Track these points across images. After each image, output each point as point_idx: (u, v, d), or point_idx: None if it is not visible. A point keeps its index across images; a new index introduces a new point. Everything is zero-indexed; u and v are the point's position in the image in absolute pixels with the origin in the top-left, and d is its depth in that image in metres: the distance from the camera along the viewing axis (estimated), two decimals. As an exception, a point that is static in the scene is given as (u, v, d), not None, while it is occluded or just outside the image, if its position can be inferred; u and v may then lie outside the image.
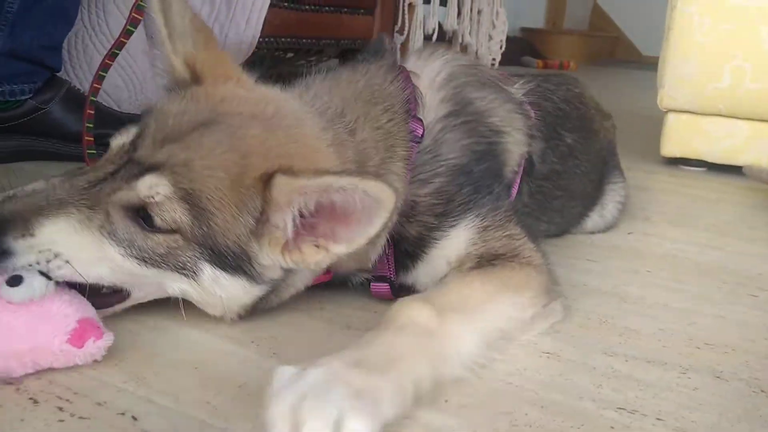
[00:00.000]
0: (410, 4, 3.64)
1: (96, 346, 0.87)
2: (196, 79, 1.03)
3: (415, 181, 1.09)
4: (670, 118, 2.44)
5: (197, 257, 0.92)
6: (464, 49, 4.30)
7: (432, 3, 3.81)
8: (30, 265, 0.87)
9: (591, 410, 0.88)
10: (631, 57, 8.03)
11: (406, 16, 3.64)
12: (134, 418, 0.79)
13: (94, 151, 1.59)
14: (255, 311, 1.02)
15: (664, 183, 2.27)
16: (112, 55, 1.64)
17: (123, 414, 0.79)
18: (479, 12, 4.31)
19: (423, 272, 1.11)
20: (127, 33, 1.71)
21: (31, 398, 0.81)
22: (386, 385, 0.77)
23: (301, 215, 0.93)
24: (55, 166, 1.80)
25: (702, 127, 2.39)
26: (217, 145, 0.92)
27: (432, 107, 1.14)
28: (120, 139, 0.96)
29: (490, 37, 4.53)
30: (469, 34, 4.23)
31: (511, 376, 0.95)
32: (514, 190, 1.23)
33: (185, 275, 0.93)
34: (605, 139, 1.62)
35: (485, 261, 1.09)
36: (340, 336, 1.03)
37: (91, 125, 1.61)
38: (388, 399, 0.77)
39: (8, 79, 1.73)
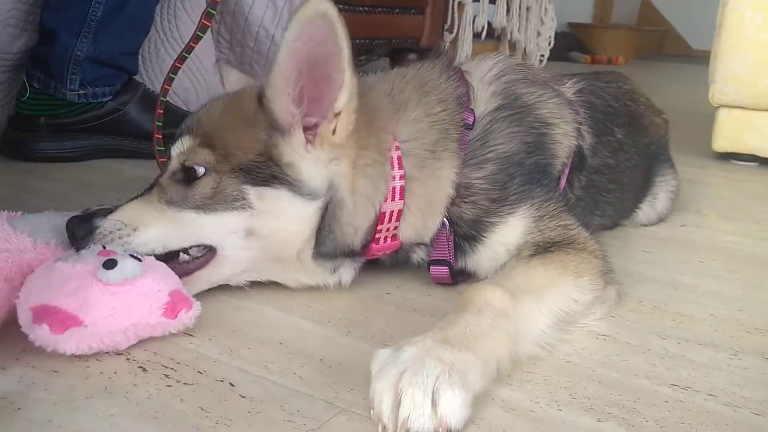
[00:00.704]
0: (460, 3, 3.70)
1: (187, 316, 0.97)
2: None
3: (467, 165, 1.16)
4: (722, 113, 2.45)
5: (237, 183, 1.05)
6: (513, 46, 4.34)
7: (481, 1, 3.87)
8: (107, 234, 1.03)
9: (646, 386, 0.94)
10: (680, 51, 7.92)
11: (456, 15, 3.70)
12: (231, 385, 0.88)
13: (163, 148, 1.71)
14: (324, 256, 1.11)
15: (716, 177, 2.29)
16: (182, 59, 1.76)
17: (221, 381, 0.89)
18: (528, 9, 4.35)
19: (484, 257, 1.19)
20: (196, 38, 1.82)
21: (140, 367, 0.91)
22: (474, 361, 0.85)
23: (294, 104, 1.04)
24: (130, 163, 1.94)
25: (754, 122, 2.40)
26: (219, 101, 1.13)
27: (482, 100, 1.22)
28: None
29: (539, 34, 4.56)
30: (518, 31, 4.27)
31: (570, 356, 1.01)
32: (563, 182, 1.28)
33: (237, 208, 1.05)
34: (656, 134, 1.66)
35: (542, 249, 1.15)
36: (405, 318, 1.11)
37: (160, 124, 1.73)
38: (477, 373, 0.84)
39: (91, 83, 1.86)
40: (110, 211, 1.07)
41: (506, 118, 1.21)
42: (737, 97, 2.38)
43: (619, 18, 8.04)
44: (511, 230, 1.17)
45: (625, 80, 1.65)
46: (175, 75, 1.79)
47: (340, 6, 1.10)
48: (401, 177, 1.11)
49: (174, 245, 1.07)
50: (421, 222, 1.16)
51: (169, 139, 2.00)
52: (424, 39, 3.30)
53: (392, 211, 1.12)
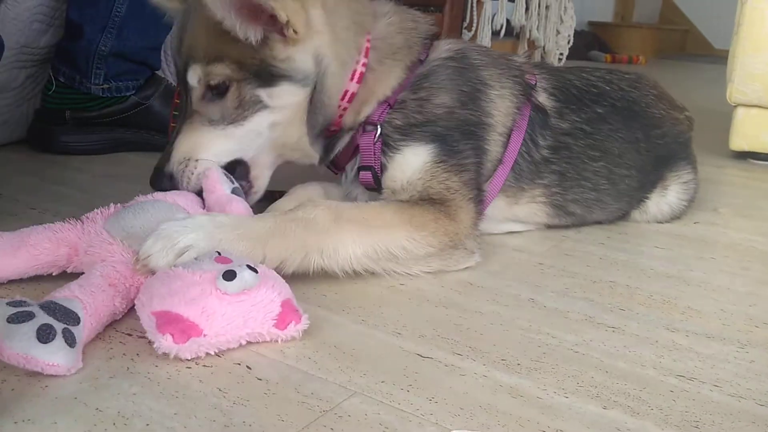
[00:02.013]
0: (479, 1, 3.70)
1: (295, 328, 0.98)
2: None
3: (408, 88, 1.35)
4: (740, 112, 2.45)
5: (252, 88, 1.23)
6: (531, 44, 4.34)
7: (500, -1, 3.87)
8: (181, 174, 1.26)
9: (652, 376, 0.96)
10: (702, 51, 7.85)
11: (475, 13, 3.71)
12: (248, 368, 0.92)
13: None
14: (316, 138, 1.32)
15: (733, 176, 2.29)
16: None
17: (239, 364, 0.92)
18: (547, 7, 4.34)
19: (389, 175, 1.32)
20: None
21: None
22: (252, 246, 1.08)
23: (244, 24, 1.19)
24: (153, 156, 1.96)
25: (772, 121, 2.39)
26: (195, 23, 1.24)
27: (439, 51, 1.42)
28: (175, 78, 1.34)
29: (558, 32, 4.55)
30: (537, 29, 4.27)
31: (578, 346, 1.04)
32: (517, 140, 1.42)
33: (259, 110, 1.25)
34: (673, 128, 1.67)
35: (417, 195, 1.29)
36: (418, 307, 1.14)
37: (176, 112, 1.78)
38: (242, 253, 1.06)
39: (115, 78, 1.90)
40: (168, 153, 1.27)
41: (451, 67, 1.39)
42: (755, 96, 2.37)
43: (641, 17, 7.99)
44: (414, 158, 1.30)
45: (639, 78, 1.70)
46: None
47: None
48: (363, 65, 1.31)
49: (224, 160, 1.28)
50: (359, 107, 1.33)
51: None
52: (442, 36, 3.32)
53: (351, 92, 1.31)
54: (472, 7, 3.67)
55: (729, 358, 1.02)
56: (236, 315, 0.93)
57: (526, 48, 4.24)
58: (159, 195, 1.20)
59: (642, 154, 1.59)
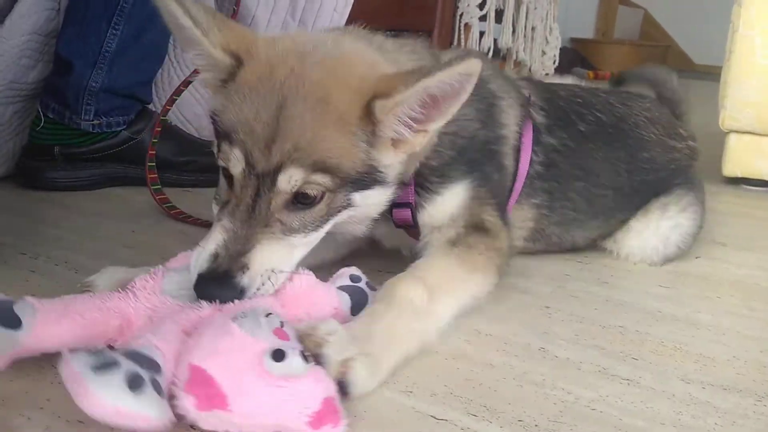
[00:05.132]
0: (466, 24, 3.72)
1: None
2: (237, 60, 1.10)
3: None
4: (732, 138, 2.46)
5: (346, 193, 1.10)
6: (518, 64, 4.37)
7: (488, 21, 3.88)
8: (259, 288, 1.04)
9: (674, 436, 0.94)
10: (683, 66, 7.93)
11: (463, 35, 3.73)
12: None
13: (153, 164, 1.78)
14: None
15: (729, 204, 2.29)
16: (187, 83, 1.79)
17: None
18: (533, 29, 4.37)
19: (427, 215, 1.30)
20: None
21: (167, 417, 0.91)
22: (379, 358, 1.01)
23: (408, 116, 1.09)
24: (142, 190, 1.93)
25: (765, 149, 2.41)
26: (304, 115, 1.04)
27: None
28: (237, 166, 1.06)
29: (543, 53, 4.58)
30: (524, 50, 4.29)
31: (595, 403, 1.01)
32: (526, 155, 1.41)
33: (342, 210, 1.13)
34: (664, 154, 1.66)
35: (462, 235, 1.29)
36: (424, 359, 1.11)
37: (156, 140, 1.79)
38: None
39: (106, 113, 1.86)
40: (239, 261, 1.03)
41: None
42: (747, 123, 2.39)
43: (622, 33, 8.07)
44: (454, 199, 1.30)
45: (630, 96, 1.74)
46: (178, 97, 1.81)
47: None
48: None
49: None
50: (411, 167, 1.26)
51: (185, 168, 2.04)
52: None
53: None
54: (459, 30, 3.69)
55: (748, 413, 1.01)
56: (270, 400, 0.84)
57: (512, 68, 4.27)
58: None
59: (625, 178, 1.58)
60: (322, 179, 1.06)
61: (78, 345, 0.94)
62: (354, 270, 1.21)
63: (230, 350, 0.86)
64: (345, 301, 1.15)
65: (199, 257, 1.04)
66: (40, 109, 1.85)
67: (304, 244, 1.11)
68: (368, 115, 1.07)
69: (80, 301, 1.01)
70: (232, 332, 0.88)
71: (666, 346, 1.21)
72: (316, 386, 0.87)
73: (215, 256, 1.03)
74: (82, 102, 1.83)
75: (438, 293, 1.16)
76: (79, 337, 0.97)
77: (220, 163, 1.10)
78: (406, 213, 1.30)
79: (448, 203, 1.30)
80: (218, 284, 1.01)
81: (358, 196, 1.12)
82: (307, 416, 0.85)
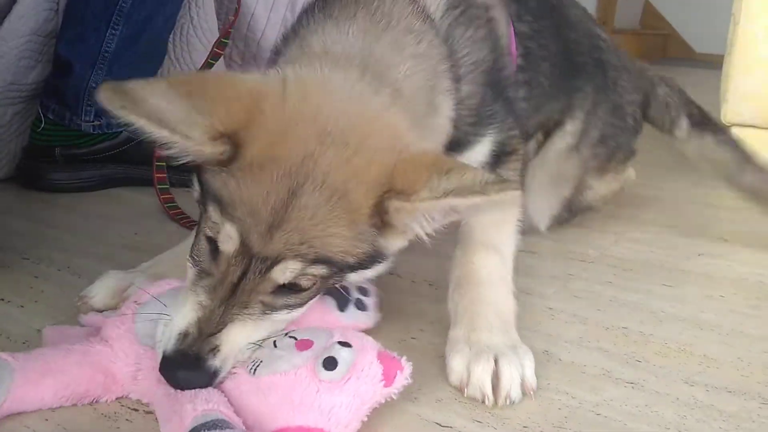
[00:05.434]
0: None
1: (403, 376, 0.91)
2: (235, 142, 0.89)
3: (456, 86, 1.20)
4: (735, 132, 2.44)
5: (343, 275, 0.98)
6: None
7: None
8: (234, 367, 0.92)
9: (678, 441, 0.94)
10: (684, 55, 7.91)
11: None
12: (265, 447, 0.88)
13: (163, 164, 1.78)
14: None
15: (730, 199, 2.26)
16: None
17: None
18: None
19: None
20: (208, 65, 1.83)
21: None
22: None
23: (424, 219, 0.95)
24: (146, 191, 1.93)
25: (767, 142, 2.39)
26: (318, 209, 0.90)
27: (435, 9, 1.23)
28: (229, 245, 0.90)
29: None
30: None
31: (599, 407, 1.01)
32: (514, 51, 1.38)
33: (336, 283, 1.02)
34: (587, 40, 1.72)
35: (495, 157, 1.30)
36: (431, 364, 1.11)
37: (159, 163, 1.78)
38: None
39: (106, 114, 1.84)
40: (209, 342, 0.90)
41: (462, 24, 1.22)
42: (750, 116, 2.37)
43: (622, 22, 8.03)
44: (484, 148, 1.28)
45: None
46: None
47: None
48: None
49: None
50: None
51: (184, 167, 2.01)
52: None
53: None
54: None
55: (752, 417, 1.01)
56: (349, 398, 0.86)
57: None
58: (174, 282, 1.05)
59: (563, 61, 1.60)
60: (319, 270, 0.93)
61: (61, 404, 0.93)
62: None
63: (284, 395, 0.86)
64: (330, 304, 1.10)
65: (166, 333, 0.91)
66: (40, 111, 1.85)
67: (286, 320, 0.98)
68: (381, 209, 0.93)
69: (61, 356, 0.94)
70: (271, 383, 0.87)
71: (670, 347, 1.21)
72: (367, 354, 0.88)
73: (184, 335, 0.90)
74: (82, 103, 1.83)
75: (503, 249, 1.25)
76: (61, 397, 0.93)
77: (207, 232, 0.93)
78: None
79: (481, 152, 1.29)
80: (186, 368, 0.89)
81: (354, 276, 1.00)
82: (380, 381, 0.88)
